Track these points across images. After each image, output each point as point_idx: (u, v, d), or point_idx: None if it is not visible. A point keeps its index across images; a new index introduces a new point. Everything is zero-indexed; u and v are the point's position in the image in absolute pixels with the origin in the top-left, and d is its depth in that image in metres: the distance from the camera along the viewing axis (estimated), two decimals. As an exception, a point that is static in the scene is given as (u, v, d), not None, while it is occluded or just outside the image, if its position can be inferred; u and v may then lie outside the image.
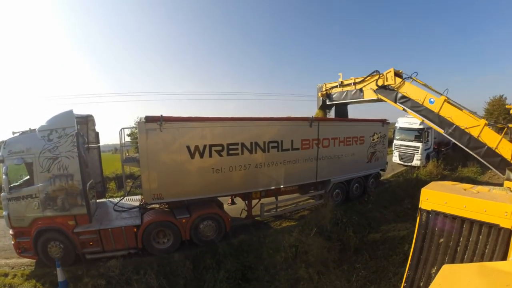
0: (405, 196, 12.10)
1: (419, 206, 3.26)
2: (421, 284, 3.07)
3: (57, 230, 7.70)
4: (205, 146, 8.76)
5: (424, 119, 8.87)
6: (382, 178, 15.35)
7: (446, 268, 2.01)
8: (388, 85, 9.59)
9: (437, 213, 3.10)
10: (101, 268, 7.25)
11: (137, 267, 7.33)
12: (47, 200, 7.51)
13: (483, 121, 7.85)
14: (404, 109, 9.36)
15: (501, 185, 3.95)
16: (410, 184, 13.71)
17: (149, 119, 7.99)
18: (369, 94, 10.34)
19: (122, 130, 9.03)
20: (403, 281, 3.29)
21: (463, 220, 2.91)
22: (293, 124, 10.82)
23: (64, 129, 7.54)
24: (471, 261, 2.74)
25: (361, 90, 10.65)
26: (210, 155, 8.85)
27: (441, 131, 8.51)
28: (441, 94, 8.57)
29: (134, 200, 10.10)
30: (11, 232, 7.72)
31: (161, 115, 8.02)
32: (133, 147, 10.91)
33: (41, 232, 7.60)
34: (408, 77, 9.28)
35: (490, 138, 7.72)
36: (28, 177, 7.80)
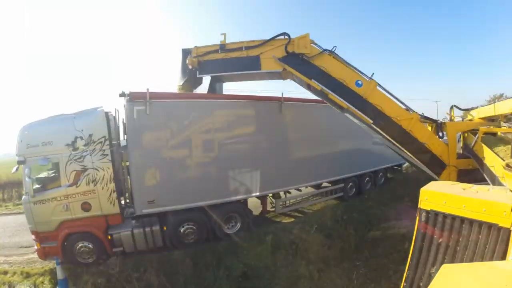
0: (405, 193, 12.11)
1: (419, 206, 3.26)
2: (421, 284, 3.07)
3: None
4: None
5: (348, 104, 7.22)
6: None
7: (445, 268, 2.00)
8: (301, 53, 7.26)
9: (436, 213, 3.10)
10: (101, 265, 7.27)
11: (137, 264, 7.34)
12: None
13: (416, 115, 7.19)
14: (321, 89, 7.29)
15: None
16: (410, 181, 13.73)
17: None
18: (269, 64, 7.57)
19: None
20: (403, 281, 3.30)
21: (462, 219, 2.91)
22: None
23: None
24: (471, 260, 2.74)
25: (257, 58, 7.65)
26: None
27: (369, 121, 7.18)
28: (370, 78, 7.20)
29: None
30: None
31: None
32: None
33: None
34: (326, 50, 7.28)
35: (421, 132, 7.03)
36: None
